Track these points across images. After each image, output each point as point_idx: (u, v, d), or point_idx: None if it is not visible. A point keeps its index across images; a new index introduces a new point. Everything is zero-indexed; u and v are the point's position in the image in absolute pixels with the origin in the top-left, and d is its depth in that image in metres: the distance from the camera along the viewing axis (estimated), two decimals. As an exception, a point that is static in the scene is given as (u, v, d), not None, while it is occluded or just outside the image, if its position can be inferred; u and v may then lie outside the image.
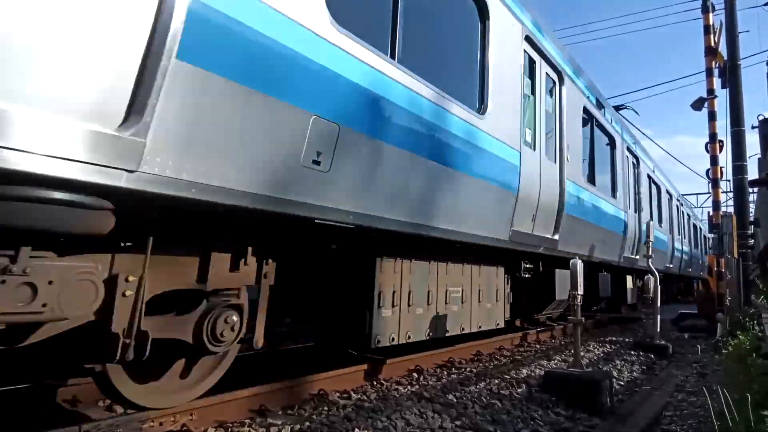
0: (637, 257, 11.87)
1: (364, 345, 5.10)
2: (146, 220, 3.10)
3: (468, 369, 6.61)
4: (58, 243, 2.76)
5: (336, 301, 5.32)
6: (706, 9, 12.63)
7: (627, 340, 9.57)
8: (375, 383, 5.55)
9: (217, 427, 3.93)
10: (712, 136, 12.31)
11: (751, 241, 12.66)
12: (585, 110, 9.20)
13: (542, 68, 7.43)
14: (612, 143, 10.89)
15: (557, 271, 8.21)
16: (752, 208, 18.19)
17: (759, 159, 18.37)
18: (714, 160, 12.28)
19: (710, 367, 7.18)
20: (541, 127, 7.25)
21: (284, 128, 3.23)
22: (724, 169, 12.96)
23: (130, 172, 2.50)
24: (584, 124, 9.27)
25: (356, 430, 3.78)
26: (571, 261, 5.60)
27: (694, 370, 7.08)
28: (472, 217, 5.53)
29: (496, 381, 5.54)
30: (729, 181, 14.17)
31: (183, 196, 2.75)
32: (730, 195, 16.32)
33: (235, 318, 3.72)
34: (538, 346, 9.12)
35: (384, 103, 4.03)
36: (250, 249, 3.91)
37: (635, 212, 11.96)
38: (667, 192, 16.41)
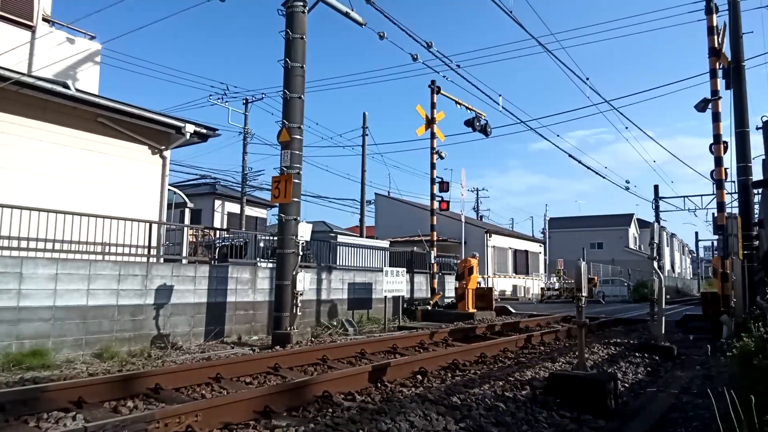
0: None
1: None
2: None
3: (472, 371, 6.60)
4: None
5: None
6: (709, 10, 12.59)
7: (632, 342, 9.54)
8: (379, 385, 5.55)
9: (222, 429, 3.94)
10: (717, 137, 12.23)
11: (756, 243, 12.58)
12: None
13: None
14: None
15: None
16: (757, 209, 18.09)
17: (763, 160, 18.28)
18: (718, 162, 12.20)
19: (715, 368, 7.15)
20: None
21: None
22: (728, 171, 12.90)
23: None
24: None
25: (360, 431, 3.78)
26: (576, 263, 5.57)
27: (699, 371, 7.04)
28: None
29: (501, 383, 5.53)
30: (733, 182, 14.09)
31: None
32: (735, 196, 16.23)
33: None
34: (542, 348, 9.10)
35: None
36: None
37: None
38: None
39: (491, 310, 15.97)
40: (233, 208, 27.56)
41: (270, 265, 11.40)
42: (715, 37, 12.38)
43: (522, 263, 36.03)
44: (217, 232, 14.65)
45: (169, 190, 11.88)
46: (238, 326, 10.55)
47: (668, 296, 21.72)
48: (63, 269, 8.01)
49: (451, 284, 17.91)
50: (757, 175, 15.03)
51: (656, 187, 37.49)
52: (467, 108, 18.36)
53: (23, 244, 8.21)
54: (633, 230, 57.12)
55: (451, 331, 10.41)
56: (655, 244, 9.14)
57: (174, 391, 5.23)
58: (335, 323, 12.37)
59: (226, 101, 26.84)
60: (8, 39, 10.15)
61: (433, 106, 17.95)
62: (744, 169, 12.16)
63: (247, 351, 8.55)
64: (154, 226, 10.17)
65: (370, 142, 27.90)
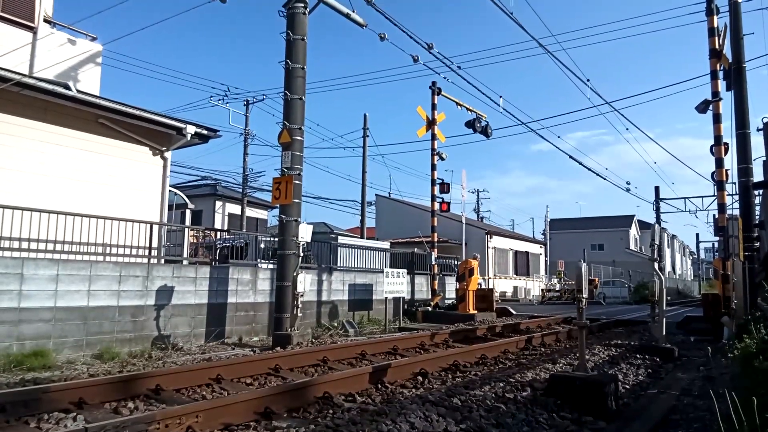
0: None
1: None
2: None
3: (473, 372, 6.60)
4: None
5: None
6: (710, 11, 12.59)
7: (632, 343, 9.52)
8: (380, 386, 5.54)
9: (222, 430, 3.94)
10: (717, 138, 12.22)
11: (757, 244, 12.57)
12: None
13: None
14: None
15: None
16: (758, 210, 18.08)
17: (764, 161, 18.27)
18: (719, 163, 12.19)
19: (716, 370, 7.14)
20: None
21: None
22: (729, 172, 12.89)
23: None
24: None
25: (361, 432, 3.77)
26: (577, 265, 5.57)
27: (700, 373, 7.03)
28: None
29: (501, 384, 5.52)
30: (734, 183, 14.08)
31: None
32: (736, 198, 16.21)
33: None
34: (543, 349, 9.10)
35: None
36: None
37: None
38: None
39: (492, 311, 15.96)
40: (234, 209, 27.57)
41: (271, 266, 11.40)
42: (716, 38, 12.38)
43: (523, 264, 36.01)
44: (218, 233, 14.65)
45: (170, 191, 11.89)
46: (238, 327, 10.54)
47: (669, 297, 21.68)
48: (64, 270, 8.02)
49: (451, 285, 17.90)
50: (757, 176, 15.02)
51: (657, 189, 37.53)
52: (468, 109, 18.37)
53: (24, 245, 8.21)
54: (634, 231, 57.10)
55: (451, 332, 10.40)
56: (655, 246, 9.13)
57: (175, 392, 5.23)
58: (336, 324, 12.37)
59: (227, 102, 26.93)
60: (10, 40, 10.17)
61: (433, 107, 17.96)
62: (745, 170, 12.16)
63: (248, 352, 8.55)
64: (155, 227, 10.18)
65: (370, 143, 27.92)
